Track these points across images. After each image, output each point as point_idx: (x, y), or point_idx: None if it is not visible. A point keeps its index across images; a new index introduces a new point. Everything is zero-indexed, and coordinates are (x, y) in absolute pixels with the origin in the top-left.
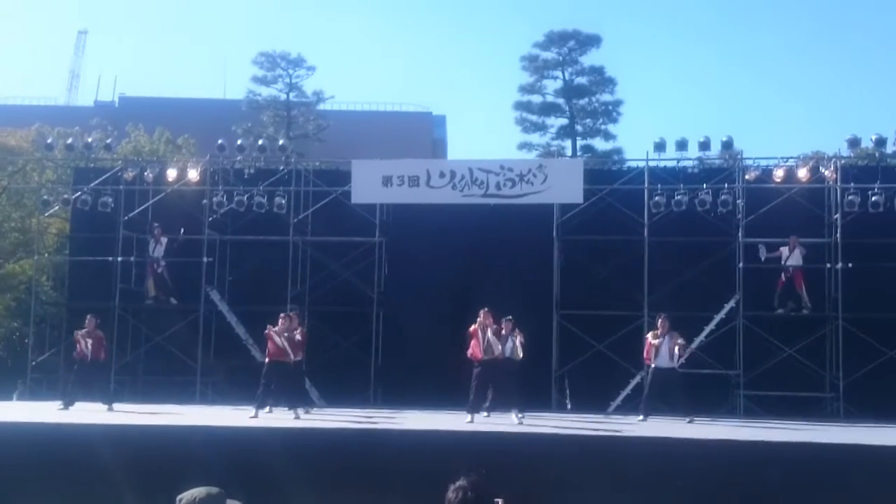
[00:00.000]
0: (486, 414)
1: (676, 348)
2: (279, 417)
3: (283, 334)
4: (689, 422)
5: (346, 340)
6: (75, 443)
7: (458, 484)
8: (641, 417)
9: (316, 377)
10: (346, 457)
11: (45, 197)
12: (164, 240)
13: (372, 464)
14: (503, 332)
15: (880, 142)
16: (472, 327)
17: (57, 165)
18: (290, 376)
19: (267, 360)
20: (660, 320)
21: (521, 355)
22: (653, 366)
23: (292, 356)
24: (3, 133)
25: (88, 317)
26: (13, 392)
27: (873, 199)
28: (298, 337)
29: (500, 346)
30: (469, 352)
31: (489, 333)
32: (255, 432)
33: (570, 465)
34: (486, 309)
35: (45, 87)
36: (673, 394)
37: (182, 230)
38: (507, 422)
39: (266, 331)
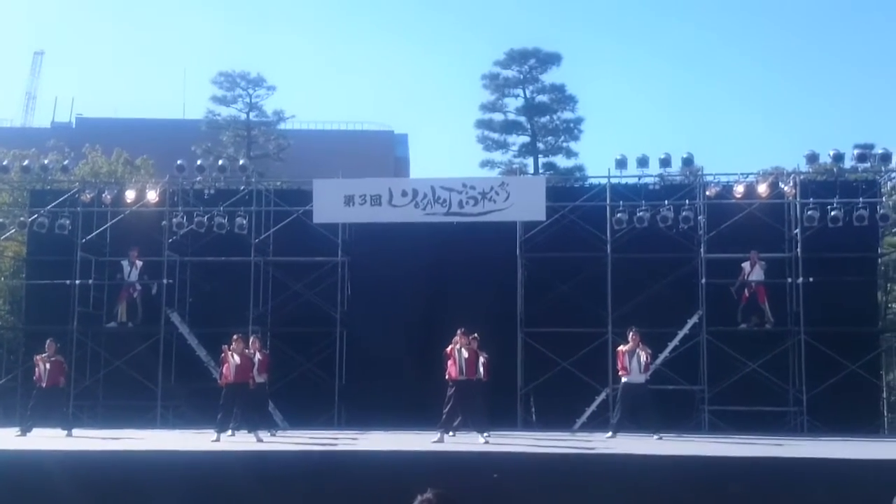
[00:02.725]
0: (451, 433)
1: (644, 355)
2: (241, 440)
3: (235, 355)
4: (659, 439)
5: (310, 361)
6: (33, 470)
7: (424, 496)
8: (610, 434)
9: (279, 399)
10: (310, 479)
11: (1, 220)
12: (139, 263)
13: (337, 486)
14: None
15: (838, 157)
16: (449, 348)
17: (13, 188)
18: (250, 398)
19: (223, 383)
20: (630, 333)
21: (484, 376)
22: (623, 380)
23: (254, 378)
24: None
25: (49, 341)
26: None
27: (832, 213)
28: (258, 357)
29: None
30: (446, 372)
31: (464, 353)
32: (218, 456)
33: (539, 484)
34: (462, 329)
35: (1, 109)
36: (644, 411)
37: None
38: (473, 441)
39: (222, 354)
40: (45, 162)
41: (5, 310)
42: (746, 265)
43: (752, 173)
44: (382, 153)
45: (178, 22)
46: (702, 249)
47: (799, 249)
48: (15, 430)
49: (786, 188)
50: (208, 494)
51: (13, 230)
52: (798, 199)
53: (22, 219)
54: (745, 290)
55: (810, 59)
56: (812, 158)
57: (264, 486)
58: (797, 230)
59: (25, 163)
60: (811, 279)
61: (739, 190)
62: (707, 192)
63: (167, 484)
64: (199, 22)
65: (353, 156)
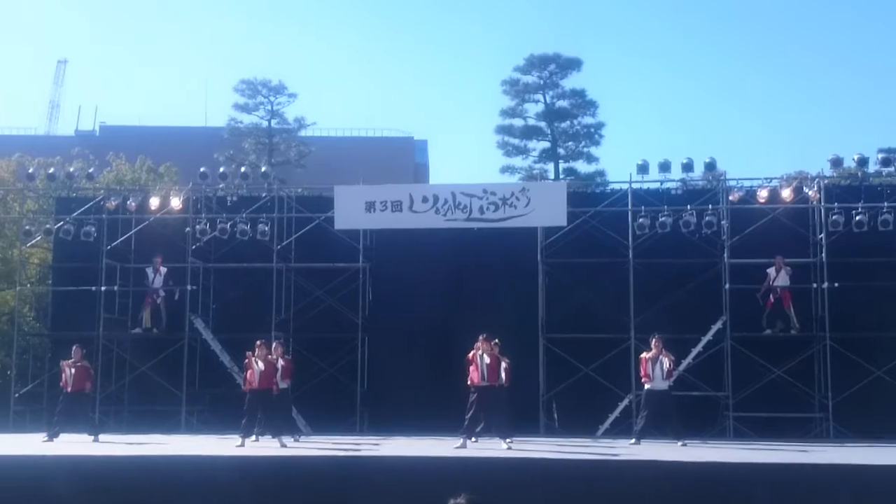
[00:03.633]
0: (473, 439)
1: (667, 361)
2: (265, 446)
3: (259, 361)
4: (683, 445)
5: (332, 367)
6: (60, 475)
7: (457, 500)
8: (634, 441)
9: (302, 404)
10: (333, 484)
11: (27, 227)
12: (163, 270)
13: (359, 491)
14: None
15: (862, 161)
16: (471, 353)
17: (38, 195)
18: (274, 404)
19: (246, 389)
20: (653, 340)
21: (505, 381)
22: (646, 387)
23: (277, 383)
24: None
25: (75, 347)
26: None
27: (857, 218)
28: (282, 363)
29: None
30: (468, 378)
31: (486, 359)
32: (242, 461)
33: (562, 491)
34: (484, 335)
35: (25, 117)
36: (667, 417)
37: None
38: (495, 447)
39: (246, 360)
40: (71, 170)
41: (31, 316)
42: (772, 270)
43: (775, 178)
44: (403, 160)
45: (200, 30)
46: (725, 254)
47: (824, 254)
48: (42, 436)
49: (810, 192)
50: (232, 499)
51: (39, 237)
52: (822, 203)
53: (48, 226)
54: (770, 296)
55: (833, 64)
56: (836, 163)
57: (288, 491)
58: (822, 235)
59: (51, 170)
60: (836, 284)
61: (763, 194)
62: (730, 197)
63: (192, 489)
64: (220, 30)
65: (373, 162)
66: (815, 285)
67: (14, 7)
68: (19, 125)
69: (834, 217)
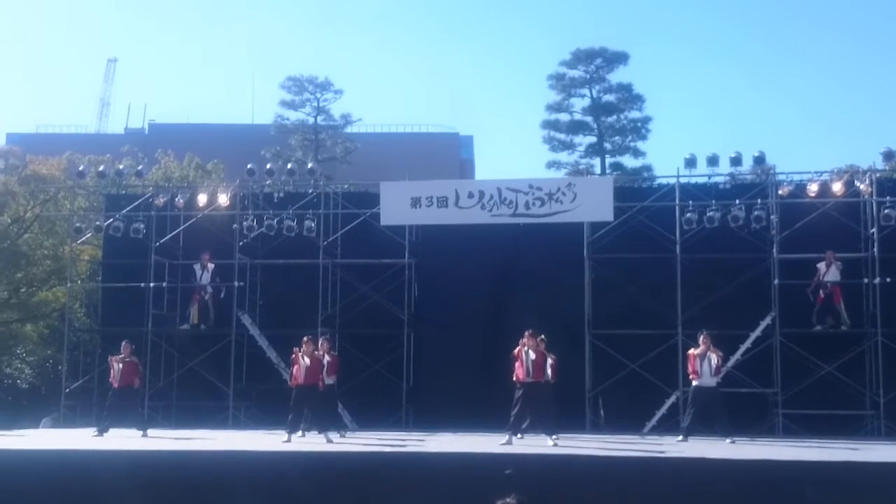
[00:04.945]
0: (519, 436)
1: (715, 358)
2: (312, 441)
3: (305, 357)
4: (731, 442)
5: (378, 363)
6: (110, 469)
7: (506, 500)
8: (681, 438)
9: (348, 400)
10: (379, 480)
11: (78, 224)
12: (211, 266)
13: (405, 486)
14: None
15: None
16: (516, 349)
17: (88, 193)
18: (320, 400)
19: (293, 385)
20: (701, 336)
21: (551, 377)
22: (694, 384)
23: (323, 379)
24: (35, 161)
25: (124, 343)
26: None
27: None
28: (328, 359)
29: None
30: (514, 374)
31: (532, 355)
32: (289, 457)
33: (609, 487)
34: (530, 331)
35: (76, 115)
36: (715, 414)
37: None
38: (541, 444)
39: (292, 355)
40: (120, 167)
41: (82, 312)
42: (822, 265)
43: (825, 171)
44: (448, 155)
45: (247, 28)
46: (774, 249)
47: (875, 249)
48: (92, 431)
49: (861, 186)
50: (279, 495)
51: (89, 234)
52: (874, 197)
53: (98, 223)
54: (821, 291)
55: (883, 55)
56: (889, 156)
57: (334, 487)
58: (873, 229)
59: (101, 168)
60: (888, 279)
61: (813, 188)
62: (779, 191)
63: (239, 484)
64: (267, 27)
65: (418, 158)
66: (866, 281)
67: (66, 6)
68: (70, 123)
69: (886, 211)
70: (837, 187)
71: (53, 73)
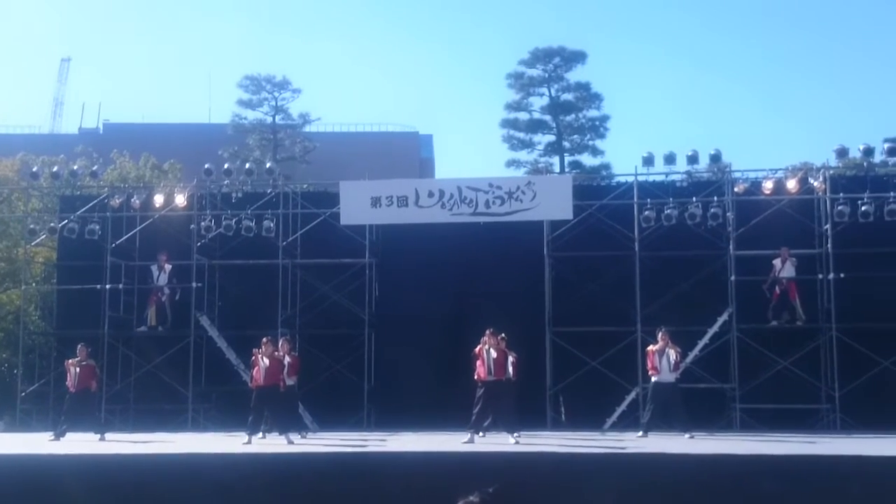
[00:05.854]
0: (481, 434)
1: (674, 354)
2: (272, 443)
3: (265, 358)
4: (690, 437)
5: (338, 363)
6: (67, 474)
7: (469, 499)
8: (641, 433)
9: (309, 401)
10: (341, 481)
11: (32, 226)
12: (168, 267)
13: (367, 487)
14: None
15: (868, 151)
16: (477, 348)
17: (42, 194)
18: (281, 401)
19: (253, 386)
20: (660, 333)
21: (513, 375)
22: (653, 380)
23: (284, 380)
24: None
25: (80, 346)
26: None
27: (863, 208)
28: (288, 360)
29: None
30: (475, 372)
31: (493, 354)
32: (249, 458)
33: (570, 484)
34: (490, 329)
35: (29, 115)
36: (674, 410)
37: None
38: (503, 441)
39: (252, 357)
40: (74, 168)
41: (36, 315)
42: (777, 262)
43: (780, 169)
44: (408, 154)
45: (203, 26)
46: (731, 246)
47: (830, 245)
48: (48, 435)
49: (815, 183)
50: (240, 497)
51: (44, 236)
52: (828, 194)
53: (52, 224)
54: (776, 287)
55: (838, 54)
56: (842, 153)
57: (295, 488)
58: (827, 226)
59: (55, 169)
60: (842, 275)
61: (768, 186)
62: (735, 189)
63: (199, 487)
64: (223, 26)
65: (378, 157)
66: (820, 276)
67: (18, 5)
68: (23, 123)
69: (840, 208)
70: (792, 185)
71: (5, 73)
